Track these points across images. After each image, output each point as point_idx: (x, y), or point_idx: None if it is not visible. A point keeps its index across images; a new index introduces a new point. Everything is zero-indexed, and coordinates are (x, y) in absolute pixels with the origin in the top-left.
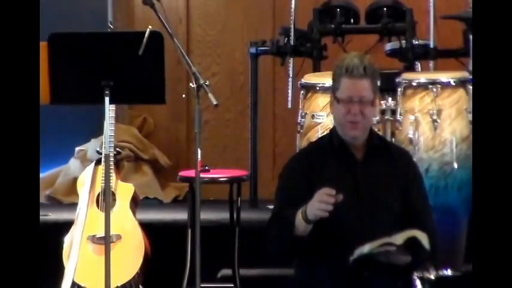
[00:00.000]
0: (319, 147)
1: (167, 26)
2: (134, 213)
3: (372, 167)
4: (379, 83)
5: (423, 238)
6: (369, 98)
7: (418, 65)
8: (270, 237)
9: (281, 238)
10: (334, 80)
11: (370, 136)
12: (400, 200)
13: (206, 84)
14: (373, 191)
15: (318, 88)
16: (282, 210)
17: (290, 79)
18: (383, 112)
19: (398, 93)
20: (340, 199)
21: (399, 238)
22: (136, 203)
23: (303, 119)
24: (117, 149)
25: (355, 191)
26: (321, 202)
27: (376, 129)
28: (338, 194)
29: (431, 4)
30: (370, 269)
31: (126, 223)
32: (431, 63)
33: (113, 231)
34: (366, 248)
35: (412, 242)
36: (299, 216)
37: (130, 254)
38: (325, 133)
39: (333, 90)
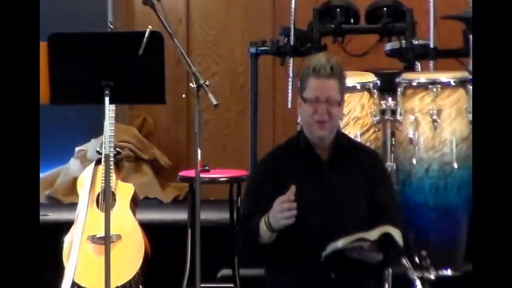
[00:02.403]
0: (286, 149)
1: (167, 26)
2: (134, 213)
3: (337, 168)
4: (379, 83)
5: (396, 234)
6: (336, 98)
7: (418, 65)
8: (238, 243)
9: (246, 245)
10: (301, 80)
11: (336, 137)
12: (366, 201)
13: (206, 84)
14: (338, 192)
15: None
16: (248, 213)
17: (290, 79)
18: (383, 112)
19: (398, 93)
20: (293, 191)
21: (373, 234)
22: (136, 203)
23: None
24: (117, 149)
25: (320, 192)
26: (283, 211)
27: (376, 129)
28: (293, 193)
29: (431, 4)
30: (338, 270)
31: (126, 223)
32: (431, 63)
33: (113, 231)
34: (339, 243)
35: (386, 238)
36: (263, 226)
37: (131, 254)
38: None
39: (300, 90)
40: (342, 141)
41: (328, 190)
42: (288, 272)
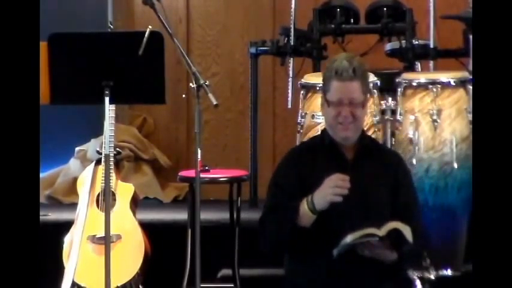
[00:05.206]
0: (310, 146)
1: (167, 26)
2: (134, 213)
3: (362, 167)
4: (379, 83)
5: (405, 230)
6: (359, 100)
7: (418, 65)
8: (268, 229)
9: (282, 227)
10: (324, 82)
11: (361, 137)
12: (389, 200)
13: (206, 84)
14: (363, 191)
15: (318, 88)
16: (277, 202)
17: (290, 79)
18: (383, 112)
19: (398, 93)
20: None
21: (382, 229)
22: (136, 203)
23: (303, 119)
24: (117, 149)
25: None
26: (335, 187)
27: (376, 129)
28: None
29: (431, 4)
30: (357, 266)
31: (126, 223)
32: (431, 63)
33: (113, 231)
34: (348, 238)
35: (395, 235)
36: (304, 206)
37: (131, 254)
38: None
39: (323, 92)
40: (367, 142)
41: (352, 189)
42: (308, 269)
